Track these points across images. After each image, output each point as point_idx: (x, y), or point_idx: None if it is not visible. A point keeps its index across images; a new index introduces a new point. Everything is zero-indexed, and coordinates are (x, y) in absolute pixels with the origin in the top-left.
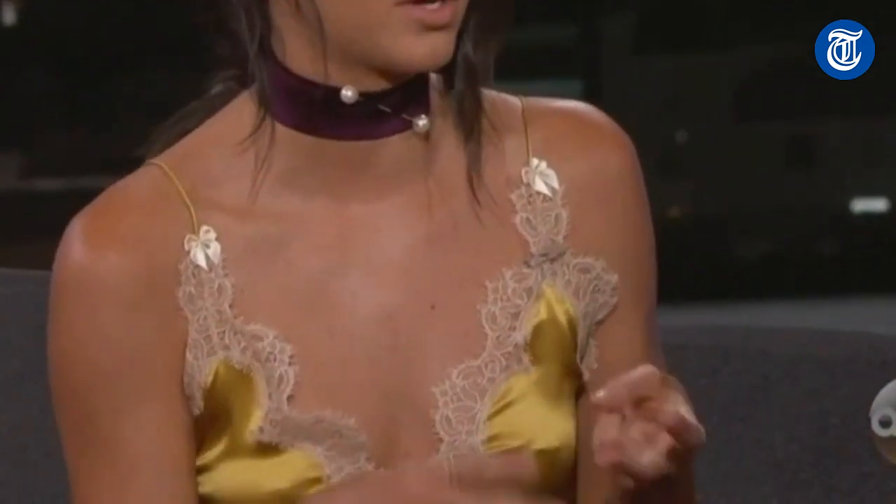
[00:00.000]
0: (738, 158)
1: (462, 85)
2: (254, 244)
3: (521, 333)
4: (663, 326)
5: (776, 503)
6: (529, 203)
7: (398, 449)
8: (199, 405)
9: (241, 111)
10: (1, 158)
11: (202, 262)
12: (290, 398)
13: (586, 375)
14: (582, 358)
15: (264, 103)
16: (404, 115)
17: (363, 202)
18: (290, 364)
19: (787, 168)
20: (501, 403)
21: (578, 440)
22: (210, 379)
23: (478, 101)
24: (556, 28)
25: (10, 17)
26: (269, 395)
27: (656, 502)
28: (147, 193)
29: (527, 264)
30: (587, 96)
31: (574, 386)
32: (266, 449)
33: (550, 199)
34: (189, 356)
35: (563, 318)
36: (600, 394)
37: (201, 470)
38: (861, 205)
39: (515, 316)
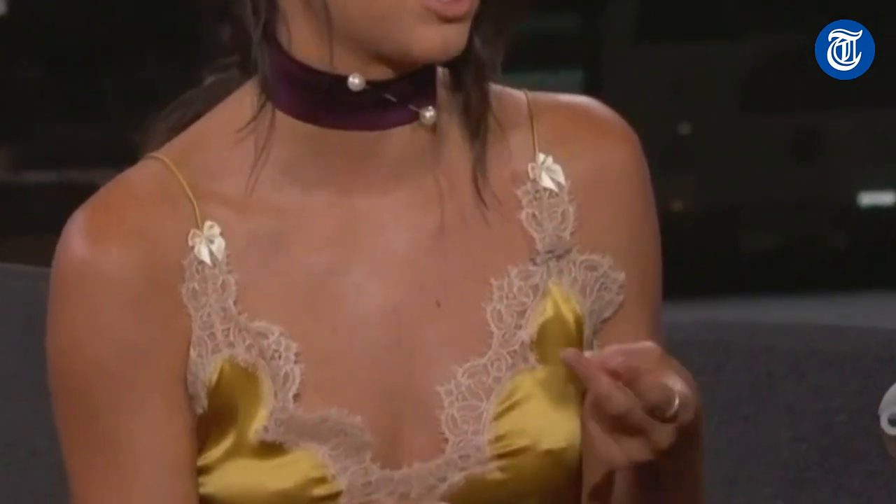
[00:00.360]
0: (743, 151)
1: (470, 82)
2: (256, 238)
3: (527, 332)
4: (665, 322)
5: (781, 503)
6: (535, 199)
7: (403, 449)
8: (202, 404)
9: (242, 101)
10: None
11: (206, 258)
12: (295, 397)
13: None
14: None
15: (266, 90)
16: (411, 106)
17: (367, 196)
18: (295, 362)
19: (793, 161)
20: (508, 403)
21: (582, 440)
22: (215, 377)
23: (486, 99)
24: (557, 17)
25: (0, 8)
26: (275, 394)
27: (654, 496)
28: (149, 187)
29: (533, 262)
30: (588, 87)
31: (580, 385)
32: (270, 448)
33: (557, 194)
34: (193, 354)
35: (569, 317)
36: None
37: (203, 470)
38: (868, 198)
39: (521, 314)
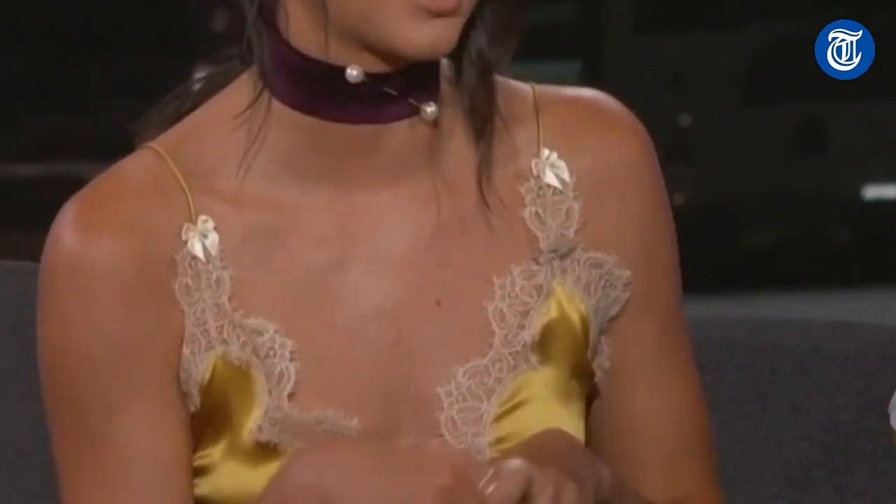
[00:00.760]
0: (746, 143)
1: (475, 81)
2: (252, 234)
3: (530, 332)
4: None
5: (783, 502)
6: (539, 196)
7: None
8: (195, 402)
9: (240, 91)
10: None
11: (200, 253)
12: (290, 395)
13: (598, 375)
14: (593, 357)
15: (264, 78)
16: (411, 100)
17: (366, 191)
18: (290, 360)
19: (796, 153)
20: (509, 404)
21: (586, 442)
22: (207, 375)
23: (492, 98)
24: (556, 7)
25: None
26: (269, 392)
27: None
28: (142, 178)
29: (536, 261)
30: (586, 77)
31: (584, 386)
32: (265, 449)
33: (561, 191)
34: (186, 351)
35: (574, 317)
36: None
37: (198, 471)
38: (873, 191)
39: (525, 314)
